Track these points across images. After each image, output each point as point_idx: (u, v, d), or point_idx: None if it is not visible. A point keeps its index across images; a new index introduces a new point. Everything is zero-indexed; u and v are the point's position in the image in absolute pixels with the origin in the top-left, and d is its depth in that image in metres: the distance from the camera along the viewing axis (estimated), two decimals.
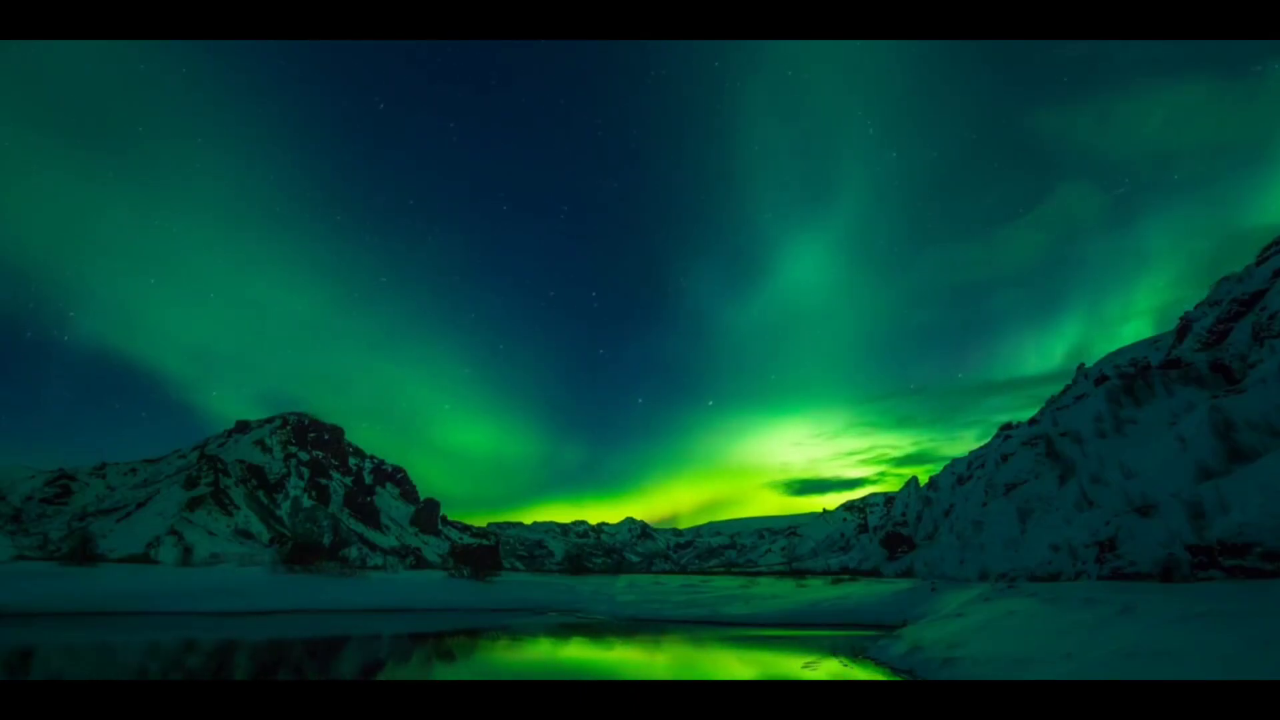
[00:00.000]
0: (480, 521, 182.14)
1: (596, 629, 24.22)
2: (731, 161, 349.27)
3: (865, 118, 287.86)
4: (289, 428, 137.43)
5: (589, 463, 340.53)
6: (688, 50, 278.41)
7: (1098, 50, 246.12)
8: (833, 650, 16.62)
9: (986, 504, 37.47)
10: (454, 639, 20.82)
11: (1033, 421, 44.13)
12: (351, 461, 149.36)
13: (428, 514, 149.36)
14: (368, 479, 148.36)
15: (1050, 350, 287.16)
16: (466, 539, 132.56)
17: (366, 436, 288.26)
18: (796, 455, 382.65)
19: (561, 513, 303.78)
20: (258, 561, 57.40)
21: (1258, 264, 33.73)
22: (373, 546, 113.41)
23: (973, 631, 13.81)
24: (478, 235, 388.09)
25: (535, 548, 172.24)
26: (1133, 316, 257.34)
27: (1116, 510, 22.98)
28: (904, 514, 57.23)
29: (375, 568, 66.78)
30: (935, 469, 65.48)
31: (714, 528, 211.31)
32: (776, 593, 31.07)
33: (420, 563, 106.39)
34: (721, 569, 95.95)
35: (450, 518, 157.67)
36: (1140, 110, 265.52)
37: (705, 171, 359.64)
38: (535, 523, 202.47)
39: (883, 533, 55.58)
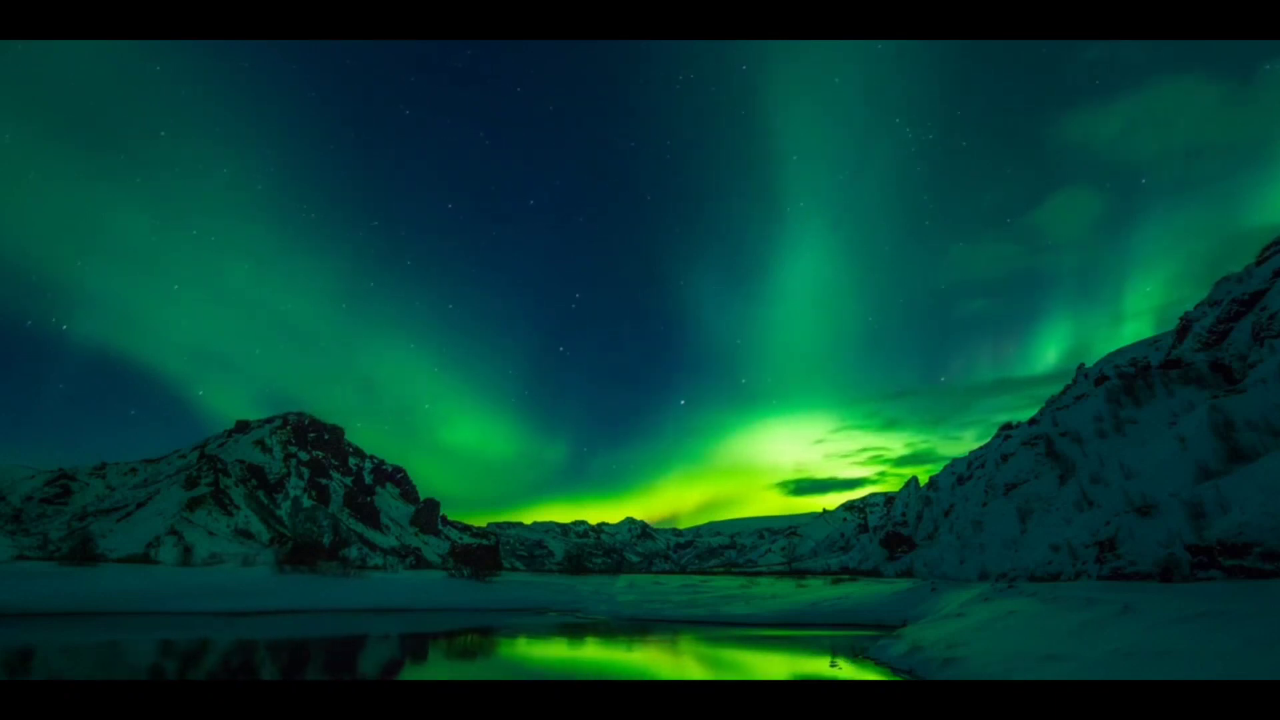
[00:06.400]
0: (480, 521, 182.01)
1: (596, 629, 24.21)
2: (730, 164, 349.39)
3: (861, 121, 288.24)
4: (289, 428, 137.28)
5: (588, 462, 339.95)
6: (686, 51, 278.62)
7: (1099, 51, 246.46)
8: (833, 650, 16.63)
9: (986, 504, 37.47)
10: (455, 639, 20.82)
11: (1033, 421, 44.13)
12: (351, 461, 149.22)
13: (428, 514, 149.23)
14: (368, 479, 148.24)
15: (1050, 350, 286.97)
16: (466, 539, 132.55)
17: (366, 436, 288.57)
18: (796, 455, 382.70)
19: (561, 513, 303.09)
20: (258, 561, 57.42)
21: (1258, 264, 33.76)
22: (373, 546, 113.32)
23: (973, 631, 13.82)
24: (477, 234, 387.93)
25: (535, 548, 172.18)
26: (1132, 316, 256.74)
27: (1116, 510, 22.98)
28: (904, 514, 57.26)
29: (375, 568, 66.89)
30: (935, 469, 65.45)
31: (714, 528, 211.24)
32: (776, 593, 31.08)
33: (420, 563, 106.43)
34: (721, 569, 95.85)
35: (450, 518, 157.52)
36: (1141, 110, 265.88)
37: (705, 174, 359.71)
38: (535, 523, 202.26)
39: (883, 533, 55.59)
